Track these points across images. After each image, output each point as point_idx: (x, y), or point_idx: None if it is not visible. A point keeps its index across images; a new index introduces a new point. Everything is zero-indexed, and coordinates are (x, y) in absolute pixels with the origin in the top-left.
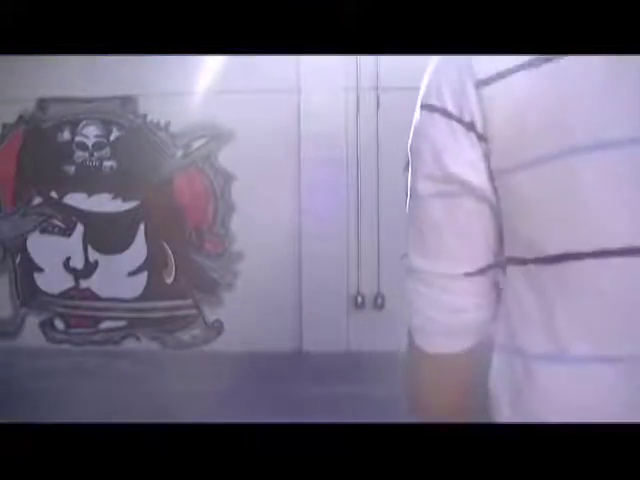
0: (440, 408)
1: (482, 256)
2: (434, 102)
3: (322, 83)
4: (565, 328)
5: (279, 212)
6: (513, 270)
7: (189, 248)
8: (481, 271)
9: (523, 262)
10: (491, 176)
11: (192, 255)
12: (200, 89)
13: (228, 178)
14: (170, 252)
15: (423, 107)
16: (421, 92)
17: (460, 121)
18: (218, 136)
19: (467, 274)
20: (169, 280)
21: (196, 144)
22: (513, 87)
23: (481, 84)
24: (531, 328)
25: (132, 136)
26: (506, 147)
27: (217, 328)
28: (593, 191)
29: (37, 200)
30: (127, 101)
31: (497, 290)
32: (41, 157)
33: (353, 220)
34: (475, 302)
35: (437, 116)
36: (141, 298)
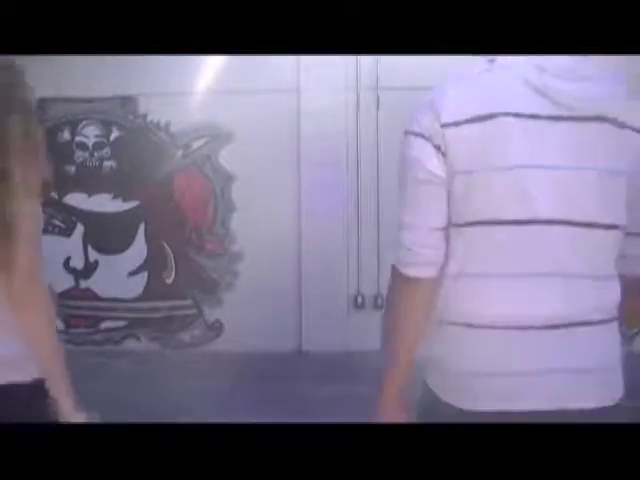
0: (412, 326)
1: (441, 218)
2: (416, 129)
3: (322, 83)
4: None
5: (279, 212)
6: (454, 230)
7: (189, 248)
8: (441, 228)
9: (459, 226)
10: (447, 175)
11: (192, 255)
12: (200, 89)
13: (228, 178)
14: (170, 252)
15: (408, 132)
16: (406, 125)
17: (431, 142)
18: (218, 136)
19: (434, 227)
20: (169, 280)
21: (196, 144)
22: (462, 132)
23: (444, 126)
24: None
25: (132, 136)
26: (454, 161)
27: (217, 328)
28: (498, 192)
29: None
30: (127, 101)
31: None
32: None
33: (353, 220)
34: (437, 243)
35: (418, 138)
36: (141, 298)
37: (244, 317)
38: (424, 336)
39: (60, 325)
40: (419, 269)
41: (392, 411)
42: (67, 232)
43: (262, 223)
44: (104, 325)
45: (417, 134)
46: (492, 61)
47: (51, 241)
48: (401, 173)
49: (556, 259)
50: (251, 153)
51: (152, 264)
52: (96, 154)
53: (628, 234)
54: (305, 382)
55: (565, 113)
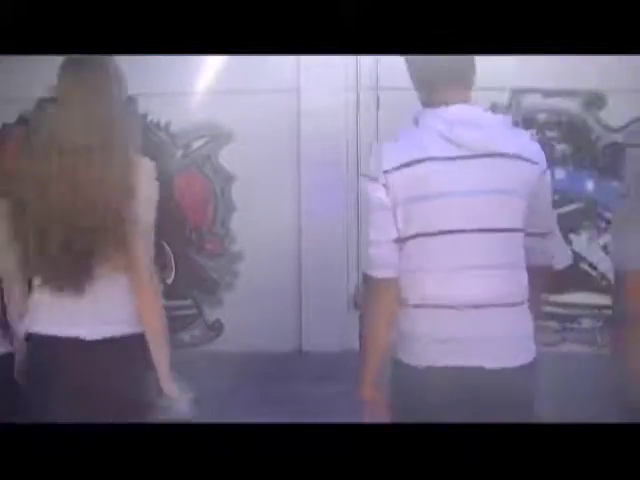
0: (381, 317)
1: (392, 234)
2: (368, 173)
3: (322, 83)
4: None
5: (279, 212)
6: (402, 242)
7: (189, 248)
8: (393, 240)
9: (405, 238)
10: (392, 204)
11: (192, 255)
12: (200, 89)
13: (228, 178)
14: (170, 252)
15: (364, 175)
16: (363, 169)
17: (378, 182)
18: (218, 136)
19: (388, 240)
20: (169, 280)
21: (196, 144)
22: (399, 174)
23: (385, 171)
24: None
25: None
26: (395, 194)
27: (217, 328)
28: (427, 213)
29: None
30: (127, 101)
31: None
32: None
33: (353, 220)
34: (392, 253)
35: (370, 180)
36: None
37: (244, 317)
38: (391, 322)
39: None
40: (382, 271)
41: (369, 391)
42: None
43: (262, 223)
44: None
45: (369, 177)
46: (416, 120)
47: None
48: (365, 204)
49: (474, 257)
50: (251, 153)
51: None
52: None
53: (527, 234)
54: (305, 382)
55: (467, 153)
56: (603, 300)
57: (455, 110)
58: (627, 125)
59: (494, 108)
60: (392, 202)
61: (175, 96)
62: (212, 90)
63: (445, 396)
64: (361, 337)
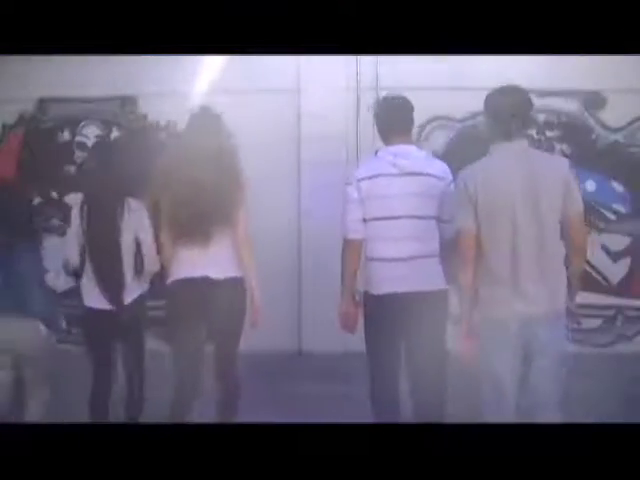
0: (353, 263)
1: (360, 215)
2: (348, 180)
3: (322, 83)
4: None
5: (279, 212)
6: (365, 222)
7: None
8: (361, 220)
9: (367, 220)
10: (361, 200)
11: None
12: (200, 89)
13: None
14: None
15: (346, 181)
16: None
17: (354, 186)
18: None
19: (357, 219)
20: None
21: None
22: (366, 182)
23: (358, 180)
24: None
25: (132, 136)
26: (363, 194)
27: None
28: (379, 205)
29: (37, 200)
30: (127, 101)
31: None
32: (41, 157)
33: None
34: (360, 227)
35: (349, 184)
36: None
37: None
38: (357, 268)
39: (60, 325)
40: (353, 235)
41: (348, 306)
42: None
43: (262, 223)
44: None
45: (348, 182)
46: (376, 152)
47: (51, 241)
48: (345, 198)
49: (406, 231)
50: (251, 153)
51: None
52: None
53: (439, 220)
54: (305, 382)
55: (402, 172)
56: (604, 300)
57: (397, 148)
58: (627, 125)
59: None
60: (360, 197)
61: (175, 96)
62: (212, 90)
63: (394, 310)
64: (342, 274)
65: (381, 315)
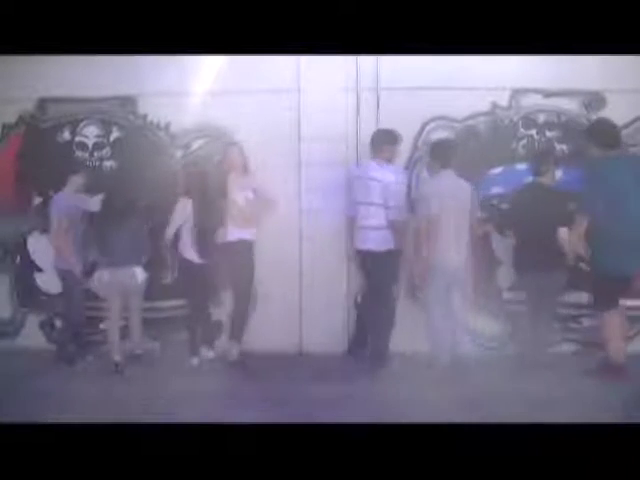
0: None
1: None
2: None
3: (322, 83)
4: None
5: (279, 212)
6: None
7: None
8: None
9: (356, 203)
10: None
11: None
12: (200, 89)
13: None
14: (171, 252)
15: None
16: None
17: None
18: (218, 136)
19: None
20: (169, 280)
21: (196, 144)
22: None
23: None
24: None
25: (132, 136)
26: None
27: (218, 328)
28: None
29: (37, 200)
30: (127, 101)
31: None
32: (41, 157)
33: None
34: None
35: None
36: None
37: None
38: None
39: (60, 325)
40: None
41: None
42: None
43: (262, 223)
44: (104, 325)
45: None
46: (358, 166)
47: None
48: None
49: (368, 211)
50: (251, 153)
51: (152, 264)
52: (96, 154)
53: (385, 207)
54: (305, 382)
55: (363, 176)
56: None
57: (365, 165)
58: (627, 125)
59: (494, 108)
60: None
61: (175, 96)
62: (212, 90)
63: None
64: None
65: (370, 263)
